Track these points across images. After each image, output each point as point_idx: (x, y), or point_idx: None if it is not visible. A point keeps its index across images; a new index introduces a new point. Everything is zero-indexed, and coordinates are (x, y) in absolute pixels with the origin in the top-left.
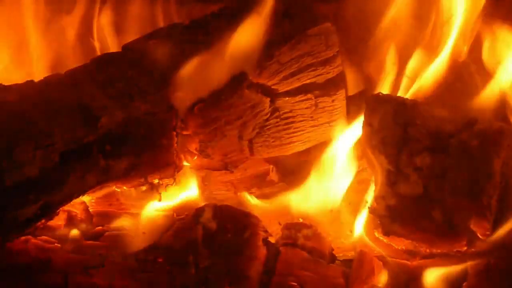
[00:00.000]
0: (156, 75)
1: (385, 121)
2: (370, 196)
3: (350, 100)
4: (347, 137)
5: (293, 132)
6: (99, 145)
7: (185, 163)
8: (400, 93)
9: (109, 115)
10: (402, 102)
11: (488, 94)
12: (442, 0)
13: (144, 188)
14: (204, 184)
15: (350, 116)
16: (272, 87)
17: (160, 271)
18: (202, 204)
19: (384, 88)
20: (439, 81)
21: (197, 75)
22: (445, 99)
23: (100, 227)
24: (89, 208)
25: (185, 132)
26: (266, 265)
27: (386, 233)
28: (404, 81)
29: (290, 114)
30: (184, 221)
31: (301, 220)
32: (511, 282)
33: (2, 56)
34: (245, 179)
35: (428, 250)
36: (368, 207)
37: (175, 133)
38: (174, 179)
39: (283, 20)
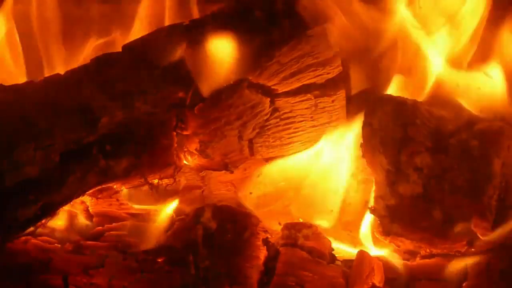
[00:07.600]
0: (156, 75)
1: (385, 121)
2: (370, 196)
3: (350, 100)
4: (347, 137)
5: (293, 132)
6: (99, 145)
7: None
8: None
9: (109, 115)
10: (402, 102)
11: None
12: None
13: None
14: (204, 184)
15: (350, 116)
16: (272, 87)
17: (160, 271)
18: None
19: (385, 88)
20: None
21: (197, 74)
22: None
23: (100, 227)
24: (89, 208)
25: (185, 132)
26: (266, 265)
27: (386, 233)
28: (404, 81)
29: (290, 114)
30: (184, 221)
31: (301, 220)
32: (511, 282)
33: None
34: (245, 179)
35: (428, 250)
36: (368, 207)
37: (175, 133)
38: (174, 179)
39: (283, 20)
